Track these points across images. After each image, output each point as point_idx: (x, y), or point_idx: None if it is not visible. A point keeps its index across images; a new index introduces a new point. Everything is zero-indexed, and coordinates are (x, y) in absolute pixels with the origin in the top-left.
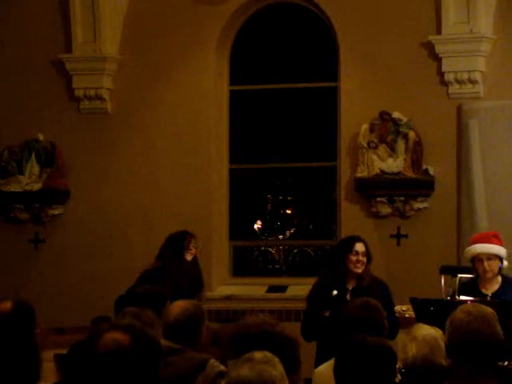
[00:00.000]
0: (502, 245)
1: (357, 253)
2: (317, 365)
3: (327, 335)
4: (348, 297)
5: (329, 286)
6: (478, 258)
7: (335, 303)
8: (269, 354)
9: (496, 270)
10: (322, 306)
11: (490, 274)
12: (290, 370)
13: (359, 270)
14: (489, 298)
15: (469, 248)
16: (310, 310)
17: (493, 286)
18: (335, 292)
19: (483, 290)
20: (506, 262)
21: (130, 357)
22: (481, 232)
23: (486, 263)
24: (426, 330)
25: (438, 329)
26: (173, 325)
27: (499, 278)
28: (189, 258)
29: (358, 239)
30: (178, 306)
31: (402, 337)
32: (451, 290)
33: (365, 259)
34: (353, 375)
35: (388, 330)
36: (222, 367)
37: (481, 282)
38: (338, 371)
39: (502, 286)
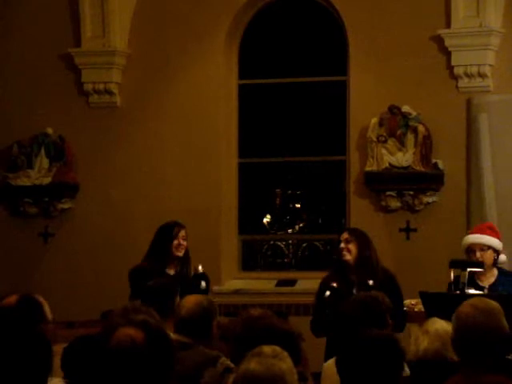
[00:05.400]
0: (497, 237)
1: (341, 241)
2: (326, 359)
3: (331, 330)
4: (354, 290)
5: (331, 280)
6: (470, 249)
7: (338, 297)
8: (277, 348)
9: (489, 262)
10: (321, 304)
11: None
12: (296, 363)
13: (346, 257)
14: (486, 291)
15: (463, 239)
16: (316, 305)
17: (489, 279)
18: (328, 293)
19: (479, 282)
20: (503, 256)
21: (143, 354)
22: None
23: (478, 254)
24: (440, 324)
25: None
26: (185, 319)
27: (495, 271)
28: (179, 253)
29: (345, 229)
30: (192, 301)
31: (414, 330)
32: (461, 283)
33: (349, 245)
34: (356, 369)
35: (394, 323)
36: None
37: (476, 274)
38: (341, 366)
39: (498, 278)
